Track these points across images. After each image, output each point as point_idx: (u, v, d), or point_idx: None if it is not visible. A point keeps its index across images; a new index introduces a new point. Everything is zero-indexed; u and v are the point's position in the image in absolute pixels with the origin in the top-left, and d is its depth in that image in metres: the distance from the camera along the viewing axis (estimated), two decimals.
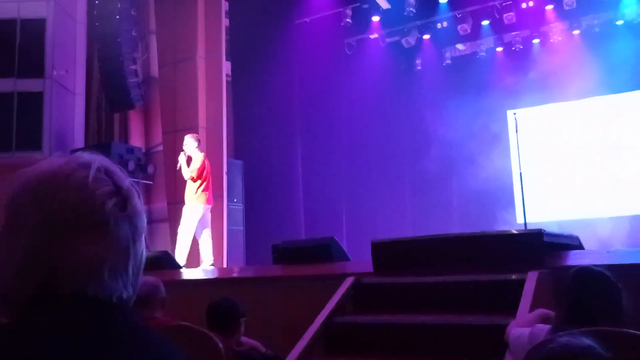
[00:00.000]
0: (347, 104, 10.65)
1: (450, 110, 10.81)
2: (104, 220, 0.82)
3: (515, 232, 3.85)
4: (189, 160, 6.77)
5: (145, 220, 0.89)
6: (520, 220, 10.42)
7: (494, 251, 3.58)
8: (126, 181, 0.88)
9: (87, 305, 0.79)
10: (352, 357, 3.39)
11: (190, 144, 6.80)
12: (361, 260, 4.75)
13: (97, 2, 8.88)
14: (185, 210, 6.79)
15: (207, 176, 6.80)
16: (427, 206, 10.87)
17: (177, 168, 6.74)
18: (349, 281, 3.75)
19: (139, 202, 0.88)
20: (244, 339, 3.22)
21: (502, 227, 9.54)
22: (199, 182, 6.66)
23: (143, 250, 0.88)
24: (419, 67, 11.79)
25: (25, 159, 8.61)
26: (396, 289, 3.71)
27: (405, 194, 11.38)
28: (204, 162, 6.77)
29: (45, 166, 0.85)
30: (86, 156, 0.88)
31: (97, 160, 0.87)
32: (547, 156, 10.48)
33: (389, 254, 3.94)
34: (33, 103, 8.50)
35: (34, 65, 8.56)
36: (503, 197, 10.18)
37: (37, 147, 8.44)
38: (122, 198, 0.85)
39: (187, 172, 6.64)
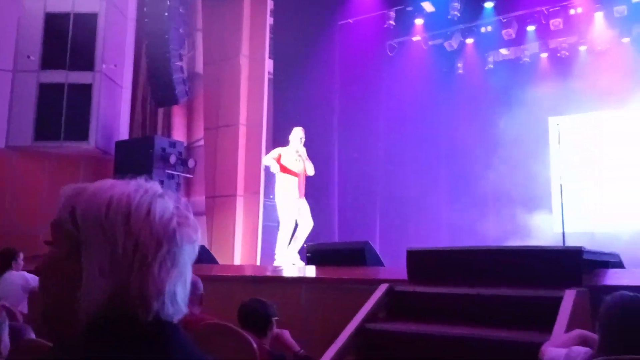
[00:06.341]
0: (386, 105, 10.63)
1: (490, 115, 10.67)
2: (177, 249, 0.88)
3: (554, 248, 3.82)
4: None
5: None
6: (556, 229, 10.22)
7: (532, 266, 3.56)
8: (189, 210, 0.94)
9: (162, 326, 0.86)
10: None
11: None
12: (395, 267, 4.78)
13: None
14: None
15: None
16: (462, 212, 10.76)
17: None
18: (383, 288, 3.78)
19: (195, 230, 0.93)
20: (280, 330, 3.25)
21: (537, 235, 9.38)
22: None
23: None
24: (460, 71, 11.65)
25: (73, 148, 8.95)
26: (430, 299, 3.72)
27: (441, 199, 11.29)
28: None
29: (126, 190, 0.88)
30: (155, 186, 0.92)
31: (161, 189, 0.92)
32: (589, 165, 10.24)
33: (424, 263, 3.95)
34: (82, 95, 8.81)
35: (85, 58, 8.86)
36: (540, 204, 10.01)
37: (84, 137, 8.74)
38: (187, 227, 0.91)
39: None
